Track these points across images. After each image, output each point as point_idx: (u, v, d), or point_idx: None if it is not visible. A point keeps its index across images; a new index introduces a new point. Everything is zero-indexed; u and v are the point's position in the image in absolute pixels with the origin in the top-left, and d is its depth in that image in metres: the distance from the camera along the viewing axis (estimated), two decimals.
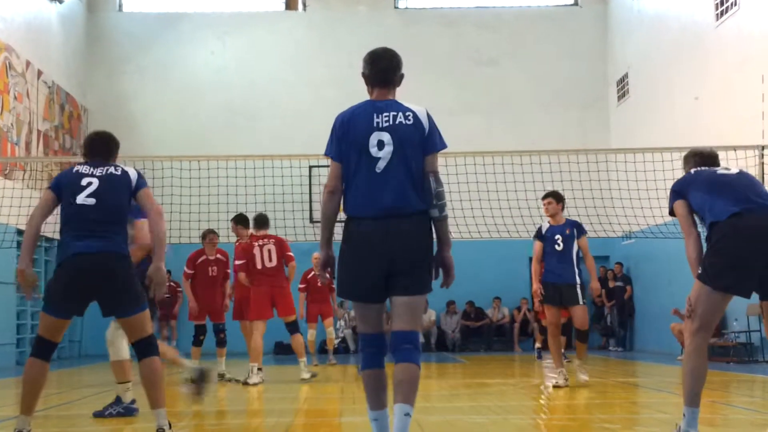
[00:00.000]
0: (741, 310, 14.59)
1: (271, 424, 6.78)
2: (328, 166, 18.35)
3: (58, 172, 18.77)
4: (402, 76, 4.72)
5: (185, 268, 11.63)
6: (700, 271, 5.15)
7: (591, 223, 13.91)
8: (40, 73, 18.27)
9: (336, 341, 19.45)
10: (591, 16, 22.21)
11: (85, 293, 5.45)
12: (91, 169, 5.65)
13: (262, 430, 6.47)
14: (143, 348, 5.50)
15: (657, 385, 9.83)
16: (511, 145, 17.65)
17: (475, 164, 14.23)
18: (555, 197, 10.05)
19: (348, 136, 4.52)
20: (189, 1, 22.24)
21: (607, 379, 11.36)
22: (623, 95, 20.98)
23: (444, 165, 13.31)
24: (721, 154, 13.55)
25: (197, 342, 11.60)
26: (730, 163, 13.42)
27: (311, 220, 19.18)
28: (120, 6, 22.11)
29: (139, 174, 5.72)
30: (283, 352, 19.03)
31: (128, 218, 5.73)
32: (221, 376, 11.36)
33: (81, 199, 5.48)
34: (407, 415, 4.27)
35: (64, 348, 19.04)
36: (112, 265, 5.43)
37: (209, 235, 11.83)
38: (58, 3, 19.46)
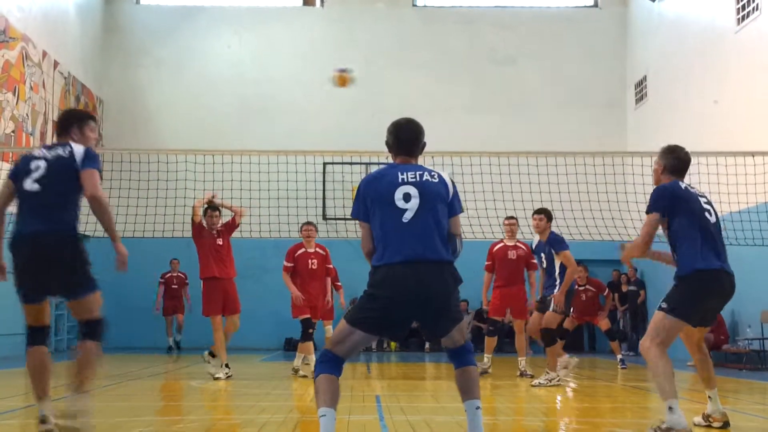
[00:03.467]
0: (755, 317, 14.48)
1: (279, 421, 6.74)
2: (342, 163, 18.15)
3: None
4: (424, 144, 4.93)
5: (285, 262, 11.54)
6: (665, 306, 5.95)
7: (606, 226, 13.81)
8: (56, 63, 18.31)
9: None
10: (610, 18, 22.11)
11: None
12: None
13: (269, 427, 6.43)
14: None
15: None
16: (527, 146, 17.53)
17: (490, 164, 14.14)
18: (546, 215, 10.62)
19: (374, 193, 4.72)
20: None
21: (618, 383, 11.29)
22: (641, 98, 20.85)
23: (459, 164, 13.19)
24: (738, 160, 13.59)
25: (306, 336, 11.45)
26: (747, 170, 13.46)
27: (324, 217, 19.13)
28: None
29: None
30: (293, 348, 18.98)
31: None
32: (295, 371, 11.58)
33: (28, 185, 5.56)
34: (478, 408, 4.68)
35: (61, 341, 19.01)
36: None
37: (305, 226, 11.81)
38: None
